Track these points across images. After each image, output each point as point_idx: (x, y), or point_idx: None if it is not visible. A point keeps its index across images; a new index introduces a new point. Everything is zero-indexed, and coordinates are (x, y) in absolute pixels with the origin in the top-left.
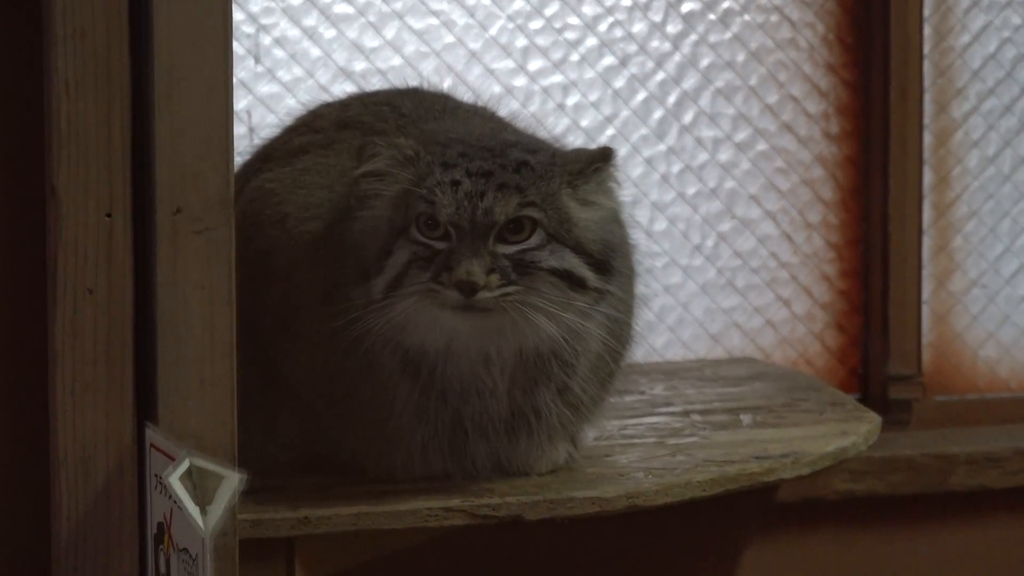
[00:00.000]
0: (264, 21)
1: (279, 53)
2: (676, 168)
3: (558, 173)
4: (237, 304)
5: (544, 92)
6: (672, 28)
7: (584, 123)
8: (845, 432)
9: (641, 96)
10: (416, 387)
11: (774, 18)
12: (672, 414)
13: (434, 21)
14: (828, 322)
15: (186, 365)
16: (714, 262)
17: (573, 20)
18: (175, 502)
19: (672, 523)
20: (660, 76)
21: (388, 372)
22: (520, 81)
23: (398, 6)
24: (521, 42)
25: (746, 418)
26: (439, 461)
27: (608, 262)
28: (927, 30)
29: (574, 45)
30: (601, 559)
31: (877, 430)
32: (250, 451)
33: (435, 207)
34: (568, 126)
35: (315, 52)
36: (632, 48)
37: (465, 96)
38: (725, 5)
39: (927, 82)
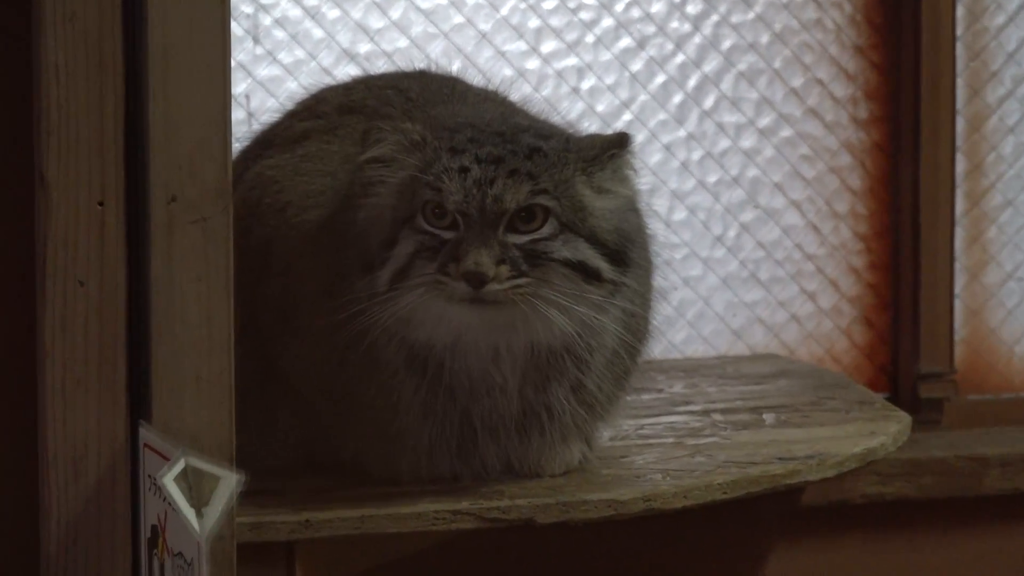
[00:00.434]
0: (264, 0)
1: (279, 34)
2: (696, 155)
3: (572, 160)
4: (235, 297)
5: (558, 75)
6: (692, 8)
7: (600, 108)
8: (873, 432)
9: (660, 79)
10: (423, 384)
11: None
12: (691, 413)
13: (442, 0)
14: (856, 317)
15: (182, 361)
16: (736, 254)
17: None
18: (170, 504)
19: (691, 528)
20: (680, 58)
21: (393, 368)
22: (533, 64)
23: None
24: (534, 22)
25: (769, 417)
26: (447, 462)
27: (624, 253)
28: (960, 10)
29: (589, 26)
30: (616, 565)
31: (907, 430)
32: (249, 451)
33: (442, 194)
34: (583, 111)
35: (317, 33)
36: (650, 29)
37: (475, 79)
38: None
39: (960, 65)
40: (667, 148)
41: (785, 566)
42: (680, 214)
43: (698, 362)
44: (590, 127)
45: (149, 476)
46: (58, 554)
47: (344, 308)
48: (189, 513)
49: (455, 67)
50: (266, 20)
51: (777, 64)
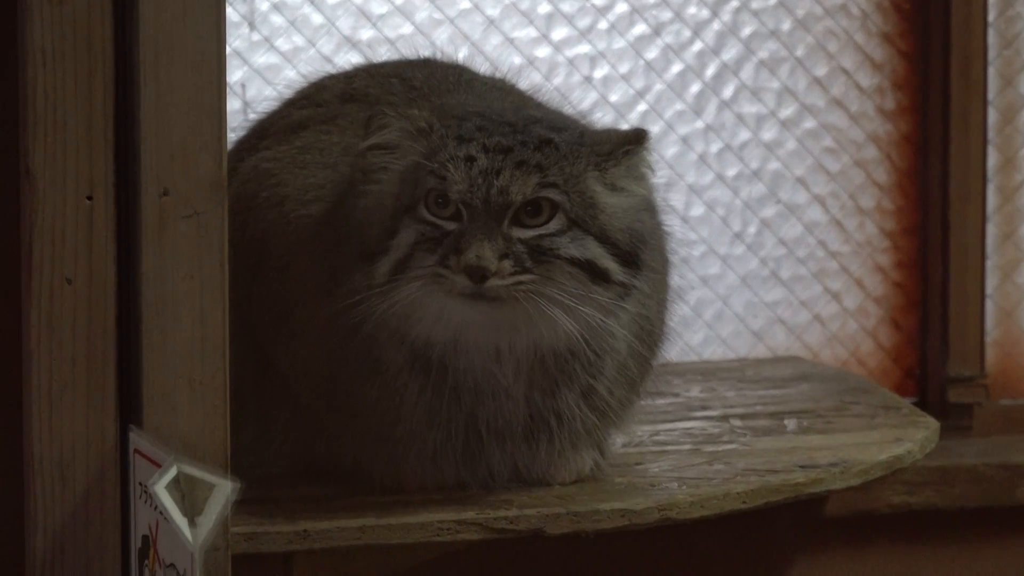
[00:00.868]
0: None
1: (277, 20)
2: (715, 147)
3: (585, 154)
4: (230, 296)
5: (569, 63)
6: None
7: (613, 98)
8: (900, 439)
9: (676, 68)
10: (427, 386)
11: None
12: (709, 419)
13: None
14: (882, 318)
15: (174, 363)
16: (756, 251)
17: None
18: (161, 513)
19: (708, 538)
20: (697, 46)
21: (395, 369)
22: (543, 51)
23: None
24: (544, 8)
25: (791, 423)
26: (452, 469)
27: (636, 254)
28: None
29: (602, 11)
30: None
31: (935, 437)
32: (244, 457)
33: (446, 183)
34: (596, 101)
35: (317, 19)
36: (666, 15)
37: (482, 68)
38: None
39: (991, 53)
40: (684, 140)
41: None
42: (698, 209)
43: (716, 365)
44: (603, 118)
45: (140, 483)
46: (44, 565)
47: (342, 301)
48: (182, 522)
49: (462, 55)
50: (263, 5)
51: (800, 52)
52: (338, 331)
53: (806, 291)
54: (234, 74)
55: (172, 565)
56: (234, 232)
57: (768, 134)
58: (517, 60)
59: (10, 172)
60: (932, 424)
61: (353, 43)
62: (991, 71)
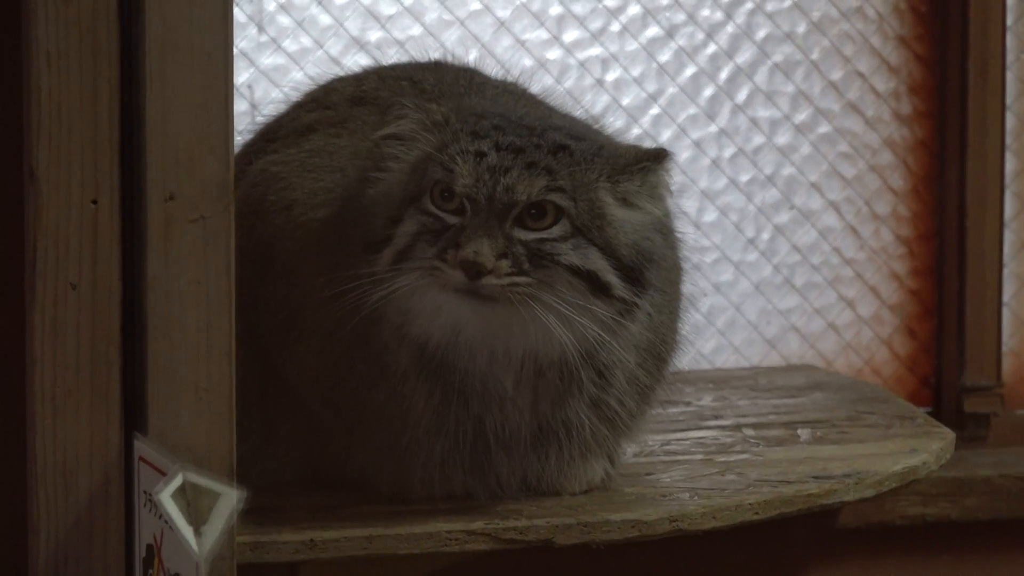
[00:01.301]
0: None
1: (285, 20)
2: (728, 152)
3: (599, 164)
4: (236, 301)
5: (581, 66)
6: None
7: (625, 101)
8: (915, 450)
9: (690, 71)
10: (434, 391)
11: None
12: (721, 428)
13: None
14: (897, 326)
15: (179, 369)
16: (770, 258)
17: None
18: (166, 522)
19: (720, 550)
20: (711, 49)
21: (403, 374)
22: (554, 53)
23: None
24: (556, 9)
25: (804, 433)
26: (459, 478)
27: (640, 272)
28: None
29: (615, 13)
30: None
31: (951, 447)
32: (250, 465)
33: (453, 176)
34: (608, 104)
35: (325, 19)
36: (680, 17)
37: (493, 70)
38: None
39: (1010, 57)
40: (697, 144)
41: None
42: (710, 215)
43: (729, 373)
44: (615, 122)
45: (144, 492)
46: (47, 573)
47: (340, 285)
48: (187, 531)
49: (472, 57)
50: (270, 5)
51: (815, 55)
52: (345, 336)
53: (820, 298)
54: (241, 75)
55: (177, 574)
56: (241, 236)
57: (782, 138)
58: (528, 62)
59: (14, 175)
60: (948, 435)
61: (361, 44)
62: (1009, 76)
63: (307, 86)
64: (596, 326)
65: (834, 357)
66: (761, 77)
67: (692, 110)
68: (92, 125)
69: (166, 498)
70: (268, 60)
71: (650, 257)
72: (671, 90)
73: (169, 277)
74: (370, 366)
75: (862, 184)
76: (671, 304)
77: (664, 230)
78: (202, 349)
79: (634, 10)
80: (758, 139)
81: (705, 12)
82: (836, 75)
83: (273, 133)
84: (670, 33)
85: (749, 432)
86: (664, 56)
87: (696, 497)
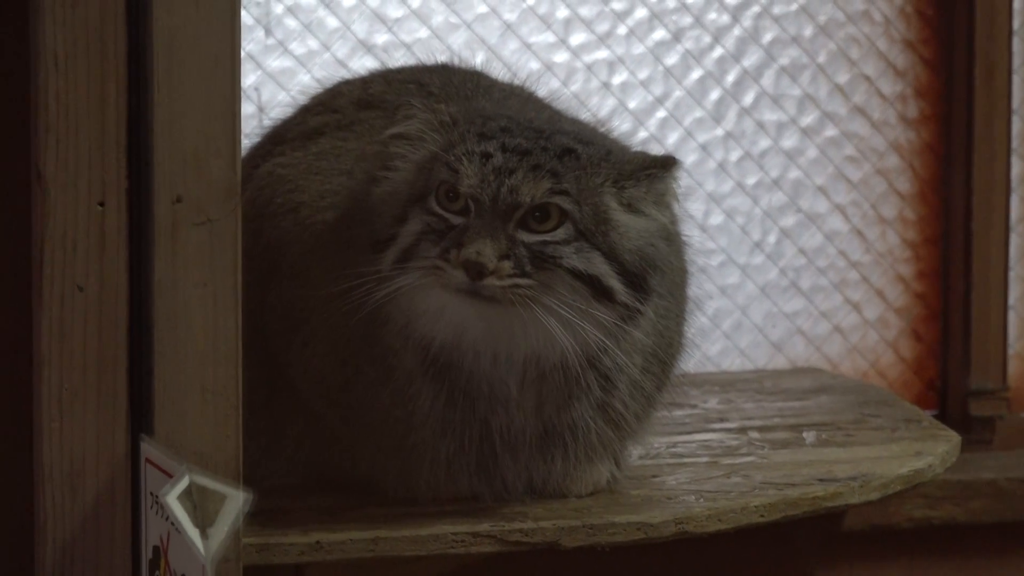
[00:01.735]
0: None
1: (292, 23)
2: (735, 155)
3: (606, 169)
4: (243, 303)
5: (587, 69)
6: None
7: (632, 104)
8: (920, 452)
9: (696, 74)
10: (440, 393)
11: None
12: (727, 431)
13: None
14: (903, 329)
15: (186, 371)
16: (776, 261)
17: None
18: (173, 524)
19: (726, 552)
20: (718, 52)
21: (409, 375)
22: (561, 57)
23: None
24: (562, 13)
25: (809, 436)
26: (465, 480)
27: (643, 278)
28: (1017, 2)
29: (621, 16)
30: None
31: (956, 450)
32: (256, 467)
33: (458, 176)
34: (614, 107)
35: (332, 22)
36: (686, 20)
37: (499, 73)
38: None
39: (1016, 61)
40: (703, 148)
41: None
42: (717, 218)
43: (734, 376)
44: (621, 125)
45: (151, 494)
46: (54, 575)
47: (343, 281)
48: (193, 533)
49: (478, 60)
50: (278, 8)
51: (821, 59)
52: (351, 338)
53: (826, 301)
54: (248, 78)
55: None
56: (248, 239)
57: (789, 142)
58: (535, 65)
59: (21, 177)
60: (953, 438)
61: (368, 47)
62: (1015, 79)
63: (314, 90)
64: (598, 330)
65: (840, 360)
66: (768, 80)
67: (698, 113)
68: (99, 128)
69: (173, 500)
70: (275, 63)
71: (654, 264)
72: (677, 93)
73: (176, 279)
74: (376, 367)
75: (868, 187)
76: (676, 309)
77: (669, 237)
78: (209, 351)
79: (641, 13)
80: (764, 142)
81: (712, 15)
82: (842, 78)
83: (280, 137)
84: (677, 36)
85: (755, 435)
86: (671, 59)
87: (702, 499)
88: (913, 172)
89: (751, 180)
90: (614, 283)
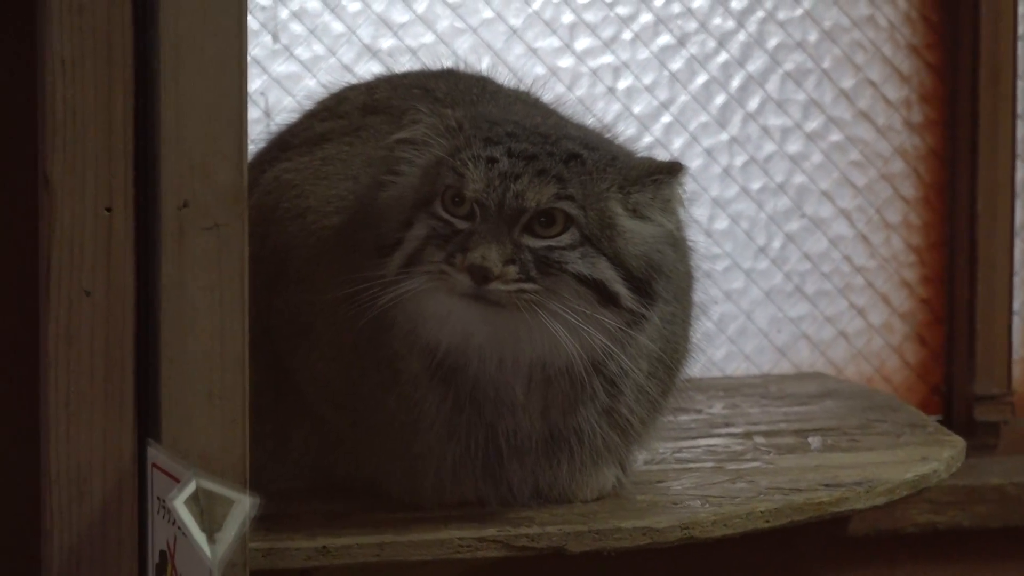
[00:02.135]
0: None
1: (298, 28)
2: (739, 160)
3: (611, 175)
4: (250, 308)
5: (593, 74)
6: (737, 3)
7: (637, 109)
8: (925, 458)
9: (701, 79)
10: (446, 397)
11: None
12: (732, 436)
13: None
14: (908, 334)
15: (193, 376)
16: (781, 266)
17: None
18: (179, 528)
19: (731, 557)
20: (722, 57)
21: (414, 379)
22: (566, 61)
23: None
24: (568, 18)
25: (815, 441)
26: (471, 484)
27: (649, 284)
28: (1021, 7)
29: (626, 21)
30: None
31: (961, 456)
32: (262, 472)
33: (464, 181)
34: (619, 112)
35: (337, 27)
36: (692, 25)
37: (505, 78)
38: None
39: (1021, 65)
40: (708, 152)
41: None
42: (722, 223)
43: (740, 381)
44: (626, 130)
45: (158, 498)
46: None
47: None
48: (200, 538)
49: (484, 65)
50: (284, 13)
51: (826, 64)
52: (357, 342)
53: (831, 306)
54: (254, 83)
55: None
56: (254, 244)
57: (793, 147)
58: (540, 70)
59: (29, 182)
60: (958, 443)
61: (374, 52)
62: (1020, 84)
63: (319, 95)
64: (603, 336)
65: (844, 365)
66: (772, 85)
67: (704, 118)
68: (106, 132)
69: (179, 504)
70: (281, 67)
71: (660, 269)
72: (683, 98)
73: (183, 284)
74: (382, 372)
75: (873, 192)
76: (682, 314)
77: (675, 242)
78: (216, 356)
79: (646, 18)
80: (769, 147)
81: (717, 20)
82: (847, 84)
83: (286, 142)
84: (682, 41)
85: (760, 440)
86: (676, 64)
87: (707, 505)
88: (918, 177)
89: (756, 185)
90: (620, 288)
